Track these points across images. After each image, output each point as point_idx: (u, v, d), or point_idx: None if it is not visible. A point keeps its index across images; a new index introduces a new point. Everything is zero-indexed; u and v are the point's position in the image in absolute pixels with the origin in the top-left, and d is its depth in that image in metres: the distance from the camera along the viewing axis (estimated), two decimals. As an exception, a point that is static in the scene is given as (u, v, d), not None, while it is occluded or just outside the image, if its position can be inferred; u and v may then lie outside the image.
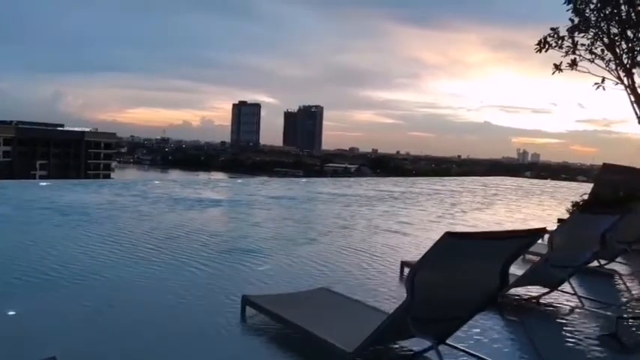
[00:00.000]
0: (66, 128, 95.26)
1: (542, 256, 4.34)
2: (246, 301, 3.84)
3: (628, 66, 9.53)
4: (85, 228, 7.32)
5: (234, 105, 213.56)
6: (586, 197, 9.38)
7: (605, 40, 9.53)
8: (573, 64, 10.11)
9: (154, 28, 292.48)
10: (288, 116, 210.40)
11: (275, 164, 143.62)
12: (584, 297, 4.56)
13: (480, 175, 31.33)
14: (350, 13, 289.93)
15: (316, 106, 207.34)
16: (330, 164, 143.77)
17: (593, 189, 10.60)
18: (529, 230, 2.83)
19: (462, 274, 2.82)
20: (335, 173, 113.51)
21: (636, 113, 9.42)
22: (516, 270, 4.09)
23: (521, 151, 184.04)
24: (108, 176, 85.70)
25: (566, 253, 4.32)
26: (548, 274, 4.35)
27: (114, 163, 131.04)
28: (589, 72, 10.08)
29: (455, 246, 2.58)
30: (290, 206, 11.42)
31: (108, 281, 4.80)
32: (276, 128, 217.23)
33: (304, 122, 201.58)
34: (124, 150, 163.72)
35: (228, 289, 4.65)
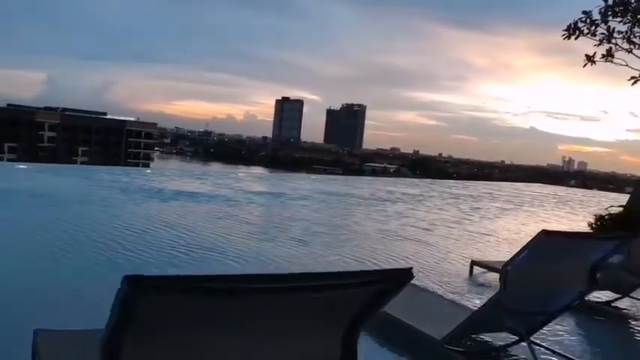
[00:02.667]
0: (108, 116, 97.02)
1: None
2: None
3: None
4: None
5: (277, 101, 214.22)
6: (614, 210, 8.04)
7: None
8: (608, 55, 8.78)
9: (202, 22, 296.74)
10: (331, 114, 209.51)
11: (314, 161, 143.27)
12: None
13: (522, 182, 30.20)
14: (395, 13, 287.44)
15: (359, 105, 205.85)
16: (369, 163, 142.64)
17: (628, 203, 9.29)
18: (618, 235, 3.02)
19: (553, 271, 2.85)
20: (374, 172, 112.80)
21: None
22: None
23: (566, 159, 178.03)
24: (147, 165, 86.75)
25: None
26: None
27: (156, 153, 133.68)
28: (627, 64, 8.74)
29: (549, 243, 2.72)
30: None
31: None
32: (318, 125, 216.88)
33: (346, 120, 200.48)
34: (167, 141, 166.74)
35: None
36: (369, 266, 5.79)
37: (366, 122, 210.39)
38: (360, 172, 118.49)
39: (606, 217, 7.86)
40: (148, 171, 12.21)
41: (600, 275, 3.25)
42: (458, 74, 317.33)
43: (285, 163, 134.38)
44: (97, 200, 8.86)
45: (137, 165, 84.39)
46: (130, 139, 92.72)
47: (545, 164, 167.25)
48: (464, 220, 10.39)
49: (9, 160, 75.09)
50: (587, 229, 7.93)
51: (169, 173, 14.23)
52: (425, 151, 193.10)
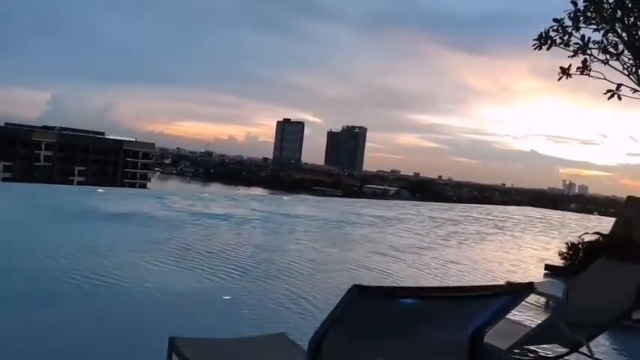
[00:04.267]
0: (106, 136, 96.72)
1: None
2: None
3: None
4: None
5: (278, 122, 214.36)
6: (587, 238, 7.21)
7: (624, 34, 7.44)
8: (584, 68, 8.05)
9: (204, 43, 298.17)
10: (331, 136, 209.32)
11: (314, 183, 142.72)
12: None
13: (523, 205, 29.66)
14: (396, 35, 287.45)
15: (360, 127, 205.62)
16: (370, 185, 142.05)
17: (612, 229, 8.50)
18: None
19: (606, 289, 3.43)
20: (374, 195, 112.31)
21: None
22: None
23: (567, 183, 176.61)
24: (144, 186, 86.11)
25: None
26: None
27: (157, 174, 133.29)
28: (604, 78, 8.01)
29: (606, 265, 3.42)
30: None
31: None
32: (319, 147, 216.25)
33: (347, 142, 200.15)
34: (167, 161, 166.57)
35: None
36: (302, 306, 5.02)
37: (367, 144, 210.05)
38: (360, 194, 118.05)
39: (580, 245, 7.03)
40: (100, 190, 11.45)
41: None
42: (458, 97, 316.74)
43: (285, 184, 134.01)
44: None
45: (134, 185, 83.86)
46: (127, 159, 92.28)
47: (546, 187, 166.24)
48: (435, 245, 9.62)
49: (4, 179, 74.54)
50: (556, 258, 7.12)
51: (133, 193, 13.48)
52: (425, 174, 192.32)
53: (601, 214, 36.40)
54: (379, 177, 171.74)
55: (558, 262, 7.32)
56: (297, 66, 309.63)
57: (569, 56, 8.03)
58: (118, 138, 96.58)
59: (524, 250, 10.35)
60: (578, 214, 26.74)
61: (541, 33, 7.87)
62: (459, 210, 18.50)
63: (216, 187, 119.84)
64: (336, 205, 16.16)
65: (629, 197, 9.40)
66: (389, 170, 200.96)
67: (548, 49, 7.98)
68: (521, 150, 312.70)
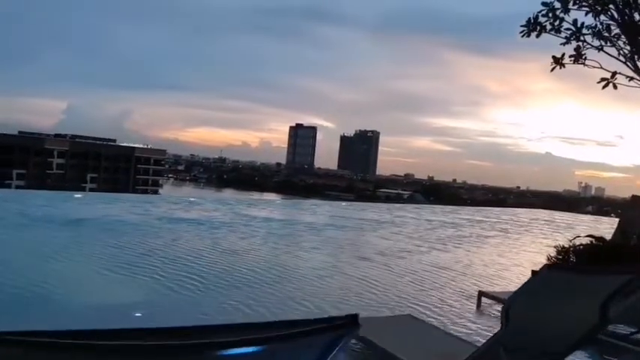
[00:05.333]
0: (117, 143, 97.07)
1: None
2: None
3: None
4: None
5: (290, 127, 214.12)
6: (580, 240, 6.56)
7: (616, 14, 6.81)
8: (578, 56, 7.44)
9: (217, 50, 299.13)
10: (344, 140, 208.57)
11: (327, 187, 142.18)
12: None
13: (538, 208, 29.06)
14: (409, 39, 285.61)
15: (372, 131, 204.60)
16: (383, 189, 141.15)
17: (616, 231, 7.87)
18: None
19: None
20: (388, 199, 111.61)
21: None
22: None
23: (583, 185, 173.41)
24: (156, 192, 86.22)
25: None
26: None
27: (170, 180, 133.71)
28: (600, 66, 7.39)
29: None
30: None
31: None
32: (332, 151, 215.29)
33: (360, 146, 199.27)
34: (181, 167, 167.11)
35: None
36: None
37: (380, 148, 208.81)
38: (373, 198, 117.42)
39: (571, 249, 6.39)
40: (78, 195, 11.00)
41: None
42: (472, 99, 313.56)
43: (298, 190, 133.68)
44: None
45: (145, 192, 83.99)
46: (139, 166, 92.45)
47: (561, 190, 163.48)
48: (427, 250, 9.05)
49: (17, 186, 75.14)
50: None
51: (116, 197, 13.05)
52: (439, 177, 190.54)
53: (618, 216, 35.44)
54: (393, 181, 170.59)
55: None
56: (309, 71, 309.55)
57: (561, 44, 7.42)
58: (130, 145, 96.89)
59: (520, 254, 9.73)
60: (592, 217, 25.95)
61: (529, 18, 7.27)
62: (464, 213, 17.88)
63: (229, 193, 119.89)
64: (329, 208, 15.60)
65: (633, 196, 8.73)
66: (402, 174, 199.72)
67: (537, 36, 7.38)
68: (536, 152, 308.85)
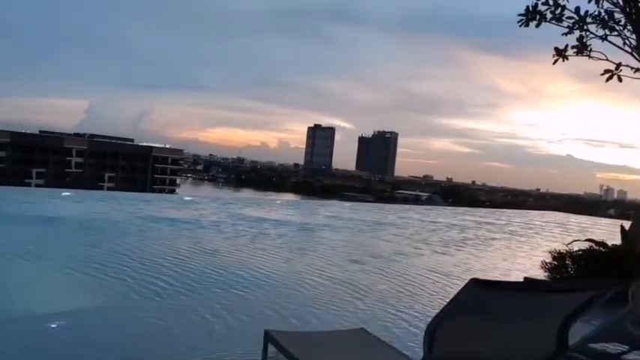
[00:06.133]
0: (135, 143, 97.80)
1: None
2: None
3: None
4: None
5: (309, 128, 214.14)
6: (578, 245, 6.07)
7: (620, 1, 6.32)
8: (583, 48, 6.95)
9: (235, 51, 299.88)
10: (362, 141, 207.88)
11: (345, 188, 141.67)
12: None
13: (558, 211, 28.52)
14: (427, 40, 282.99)
15: (391, 132, 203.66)
16: (401, 191, 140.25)
17: (626, 234, 7.36)
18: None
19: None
20: (405, 200, 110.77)
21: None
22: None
23: (604, 188, 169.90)
24: (173, 191, 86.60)
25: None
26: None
27: (189, 180, 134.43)
28: (606, 58, 6.90)
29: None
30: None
31: None
32: (350, 152, 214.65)
33: (378, 147, 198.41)
34: (200, 167, 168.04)
35: None
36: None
37: (398, 149, 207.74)
38: (391, 199, 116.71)
39: (567, 254, 5.91)
40: (66, 193, 10.77)
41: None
42: (491, 101, 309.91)
43: (315, 190, 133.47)
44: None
45: (163, 191, 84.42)
46: (156, 165, 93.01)
47: (582, 192, 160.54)
48: (424, 252, 8.64)
49: (37, 185, 76.09)
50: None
51: (107, 195, 12.80)
52: (458, 179, 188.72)
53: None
54: (411, 182, 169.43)
55: (542, 274, 6.20)
56: (327, 72, 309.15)
57: (563, 34, 6.95)
58: (148, 144, 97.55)
59: (523, 259, 9.24)
60: (612, 220, 25.17)
61: (527, 7, 6.81)
62: (477, 215, 17.34)
63: (246, 193, 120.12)
64: (332, 209, 15.20)
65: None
66: (421, 175, 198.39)
67: (537, 25, 6.91)
68: (557, 154, 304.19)
